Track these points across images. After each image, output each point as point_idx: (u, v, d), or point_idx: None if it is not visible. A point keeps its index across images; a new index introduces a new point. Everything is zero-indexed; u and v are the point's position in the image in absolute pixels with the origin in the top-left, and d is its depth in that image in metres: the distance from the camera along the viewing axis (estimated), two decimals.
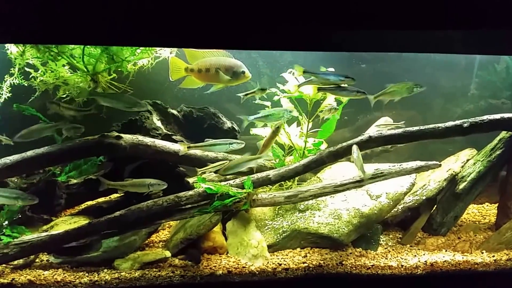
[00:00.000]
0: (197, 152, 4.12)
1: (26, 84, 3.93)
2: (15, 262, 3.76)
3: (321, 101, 4.31)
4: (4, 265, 3.73)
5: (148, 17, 2.93)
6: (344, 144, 4.00)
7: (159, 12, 2.90)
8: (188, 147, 3.88)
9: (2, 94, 3.94)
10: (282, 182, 4.38)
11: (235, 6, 2.90)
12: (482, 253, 4.12)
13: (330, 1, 2.94)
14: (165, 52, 4.16)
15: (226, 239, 4.16)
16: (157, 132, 4.18)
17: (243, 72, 3.82)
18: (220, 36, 3.13)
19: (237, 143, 3.89)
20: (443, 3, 3.00)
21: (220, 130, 4.42)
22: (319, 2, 2.93)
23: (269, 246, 4.04)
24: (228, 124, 4.50)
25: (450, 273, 3.91)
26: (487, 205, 5.25)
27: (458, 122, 3.98)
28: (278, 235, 4.12)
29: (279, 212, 4.31)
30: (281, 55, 4.89)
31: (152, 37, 3.19)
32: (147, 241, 4.19)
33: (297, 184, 4.55)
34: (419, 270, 3.88)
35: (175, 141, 4.15)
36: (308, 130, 4.43)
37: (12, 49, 3.81)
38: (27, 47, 3.68)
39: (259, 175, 3.99)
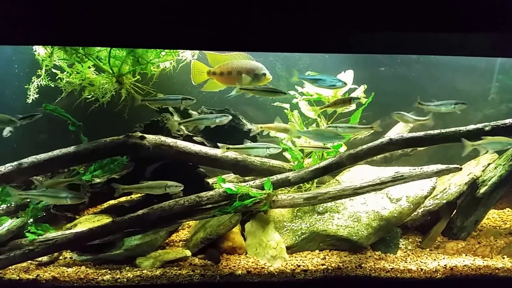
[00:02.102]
0: (217, 152, 4.17)
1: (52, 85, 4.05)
2: (40, 259, 3.85)
3: None
4: (29, 261, 3.82)
5: (172, 20, 2.99)
6: (365, 146, 4.00)
7: (182, 15, 2.95)
8: (227, 148, 3.95)
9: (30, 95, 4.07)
10: (301, 184, 4.41)
11: (253, 9, 2.94)
12: (503, 258, 4.08)
13: (344, 3, 2.97)
14: (187, 55, 4.24)
15: (244, 239, 4.20)
16: (179, 133, 4.25)
17: (264, 74, 3.88)
18: (239, 38, 3.17)
19: (274, 147, 3.92)
20: (458, 5, 3.00)
21: (240, 132, 4.45)
22: (334, 4, 2.96)
23: (287, 248, 4.07)
24: (248, 126, 4.54)
25: (470, 277, 3.88)
26: (508, 211, 5.18)
27: (479, 125, 3.95)
28: (297, 236, 4.14)
29: (298, 214, 4.33)
30: (300, 57, 4.93)
31: (177, 39, 3.25)
32: (167, 240, 4.25)
33: (316, 186, 4.56)
34: (438, 274, 3.86)
35: (196, 142, 4.22)
36: None
37: (40, 50, 3.93)
38: (55, 48, 3.79)
39: (279, 176, 4.02)
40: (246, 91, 3.84)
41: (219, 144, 3.97)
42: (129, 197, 4.71)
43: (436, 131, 3.96)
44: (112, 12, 2.91)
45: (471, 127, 3.96)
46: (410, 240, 4.41)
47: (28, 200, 4.15)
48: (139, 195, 4.50)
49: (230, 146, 3.96)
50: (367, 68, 4.91)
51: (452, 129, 3.96)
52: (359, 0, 2.96)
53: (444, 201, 4.36)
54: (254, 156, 4.32)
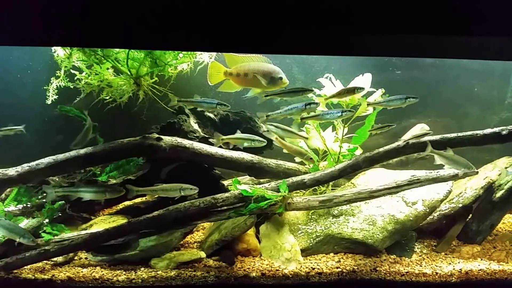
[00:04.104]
0: (233, 154, 4.18)
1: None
2: (55, 259, 3.86)
3: (358, 106, 4.31)
4: (44, 261, 3.83)
5: (191, 22, 2.99)
6: (381, 149, 4.00)
7: (201, 16, 2.96)
8: (222, 139, 4.01)
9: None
10: (316, 187, 4.40)
11: (269, 11, 2.95)
12: None
13: (359, 6, 2.97)
14: (205, 56, 4.25)
15: (259, 242, 4.18)
16: (195, 135, 4.26)
17: (281, 78, 3.88)
18: (254, 40, 3.17)
19: (259, 140, 4.03)
20: (475, 8, 2.99)
21: (255, 134, 4.44)
22: (349, 7, 2.96)
23: (302, 250, 4.06)
24: (263, 128, 4.55)
25: (485, 281, 3.86)
26: None
27: (496, 129, 3.94)
28: (312, 239, 4.14)
29: (312, 217, 4.33)
30: (316, 60, 4.92)
31: (194, 41, 3.26)
32: (182, 242, 4.26)
33: (331, 189, 4.55)
34: (453, 278, 3.84)
35: (212, 144, 4.22)
36: (344, 135, 4.44)
37: (59, 52, 3.95)
38: (74, 50, 3.81)
39: (294, 178, 4.03)
40: (273, 96, 3.86)
41: (215, 134, 4.04)
42: (144, 198, 4.72)
43: (453, 135, 3.95)
44: (130, 13, 2.93)
45: (488, 131, 3.94)
46: (425, 244, 4.39)
47: (44, 200, 4.19)
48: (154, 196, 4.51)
49: (224, 136, 4.02)
50: (384, 71, 4.89)
51: (469, 132, 3.95)
52: (374, 3, 2.97)
53: (460, 205, 4.33)
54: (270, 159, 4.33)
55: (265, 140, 4.09)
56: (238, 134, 4.09)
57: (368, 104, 4.09)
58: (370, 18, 2.97)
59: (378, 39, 3.18)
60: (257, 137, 4.05)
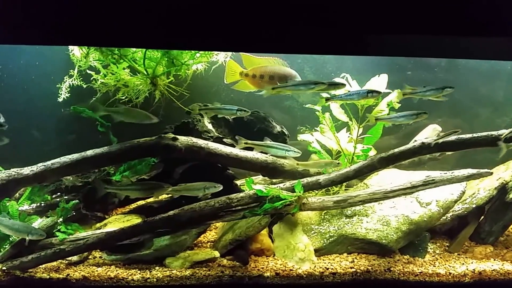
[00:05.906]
0: (248, 154, 4.18)
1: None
2: (70, 258, 3.86)
3: (373, 107, 4.33)
4: (59, 260, 3.83)
5: (209, 22, 3.00)
6: (396, 150, 4.00)
7: (219, 16, 2.97)
8: (245, 143, 3.96)
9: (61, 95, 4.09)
10: (328, 188, 4.40)
11: (279, 10, 2.95)
12: None
13: (368, 6, 2.97)
14: (219, 56, 4.25)
15: (272, 241, 4.19)
16: (209, 135, 4.26)
17: None
18: (266, 39, 3.17)
19: (294, 151, 3.98)
20: (482, 9, 3.00)
21: (270, 134, 4.45)
22: (358, 7, 2.97)
23: (315, 250, 4.06)
24: (278, 128, 4.56)
25: (498, 282, 3.88)
26: None
27: (511, 130, 3.95)
28: (325, 239, 4.14)
29: (325, 217, 4.33)
30: (328, 60, 4.92)
31: (211, 41, 3.26)
32: (195, 241, 4.25)
33: (344, 190, 4.56)
34: (467, 278, 3.85)
35: (226, 144, 4.23)
36: (358, 136, 4.45)
37: (75, 51, 3.95)
38: (91, 49, 3.81)
39: (309, 179, 4.04)
40: (284, 89, 3.77)
41: (236, 137, 4.00)
42: None
43: (468, 136, 3.95)
44: (147, 13, 2.93)
45: (503, 131, 3.95)
46: (438, 244, 4.40)
47: (58, 199, 4.19)
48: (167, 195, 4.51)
49: (249, 141, 3.98)
50: (394, 71, 4.88)
51: (484, 133, 3.95)
52: (382, 3, 2.98)
53: (473, 206, 4.34)
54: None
55: (299, 151, 4.03)
56: (270, 142, 4.01)
57: (404, 94, 4.04)
58: (381, 18, 2.99)
59: (390, 39, 3.20)
60: (292, 147, 3.99)
